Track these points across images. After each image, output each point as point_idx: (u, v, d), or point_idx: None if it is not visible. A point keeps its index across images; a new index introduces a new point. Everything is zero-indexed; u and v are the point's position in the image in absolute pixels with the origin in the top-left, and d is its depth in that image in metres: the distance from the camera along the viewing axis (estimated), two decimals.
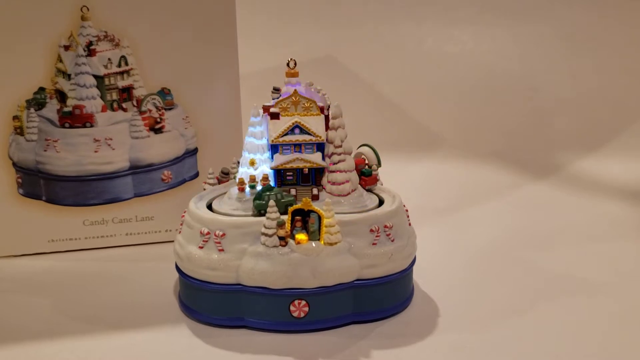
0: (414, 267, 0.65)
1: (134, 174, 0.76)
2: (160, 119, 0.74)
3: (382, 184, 0.69)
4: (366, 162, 0.70)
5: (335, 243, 0.58)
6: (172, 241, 0.65)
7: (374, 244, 0.60)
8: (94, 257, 0.75)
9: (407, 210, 0.66)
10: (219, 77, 0.75)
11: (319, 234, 0.59)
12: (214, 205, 0.64)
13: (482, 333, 0.60)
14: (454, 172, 1.01)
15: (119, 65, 0.73)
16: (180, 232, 0.64)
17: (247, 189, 0.63)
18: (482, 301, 0.66)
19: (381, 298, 0.61)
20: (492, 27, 1.24)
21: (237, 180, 0.63)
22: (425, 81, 1.19)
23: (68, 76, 0.72)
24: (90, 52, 0.72)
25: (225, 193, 0.65)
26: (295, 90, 0.62)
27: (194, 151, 0.78)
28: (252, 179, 0.63)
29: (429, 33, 1.24)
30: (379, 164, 0.69)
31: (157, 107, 0.74)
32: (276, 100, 0.64)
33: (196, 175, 0.78)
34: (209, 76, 0.75)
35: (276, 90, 0.66)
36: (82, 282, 0.70)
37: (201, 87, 0.75)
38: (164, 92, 0.74)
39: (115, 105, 0.74)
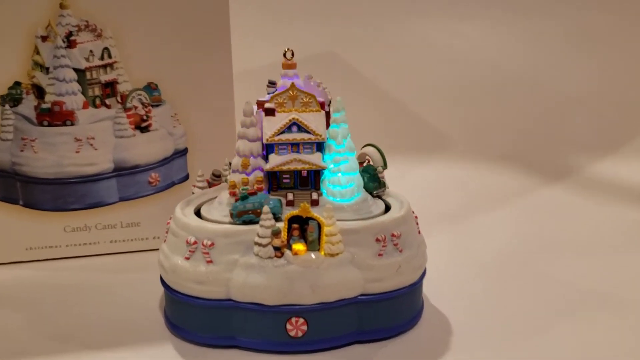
0: (424, 280, 0.61)
1: (118, 176, 0.72)
2: (147, 116, 0.71)
3: (388, 187, 0.64)
4: (370, 163, 0.64)
5: (337, 254, 0.55)
6: (158, 249, 0.60)
7: (380, 254, 0.56)
8: (75, 266, 0.72)
9: (416, 217, 0.60)
10: (210, 71, 0.72)
11: (319, 244, 0.55)
12: (202, 212, 0.59)
13: (499, 354, 0.57)
14: (461, 175, 0.98)
15: (102, 58, 0.69)
16: (165, 240, 0.59)
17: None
18: (498, 318, 0.62)
19: (388, 315, 0.57)
20: (500, 23, 1.21)
21: (228, 183, 0.58)
22: (430, 79, 1.16)
23: (46, 70, 0.68)
24: (70, 43, 0.68)
25: (215, 198, 0.60)
26: (292, 83, 0.57)
27: (184, 151, 0.74)
28: (245, 183, 0.57)
29: (434, 28, 1.21)
30: (384, 166, 0.64)
31: (143, 104, 0.71)
32: (271, 94, 0.58)
33: (186, 177, 0.75)
34: (200, 70, 0.71)
35: (272, 83, 0.61)
36: (60, 295, 0.66)
37: (191, 82, 0.71)
38: (150, 88, 0.71)
39: (97, 101, 0.70)
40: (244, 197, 0.56)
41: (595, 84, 1.15)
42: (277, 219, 0.55)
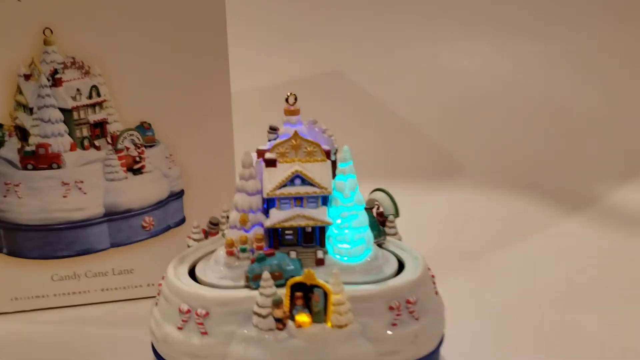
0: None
1: (109, 222, 0.69)
2: (140, 157, 0.68)
3: (400, 239, 0.58)
4: (380, 209, 0.59)
5: (346, 325, 0.50)
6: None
7: (394, 324, 0.51)
8: (64, 317, 0.69)
9: (433, 277, 0.55)
10: (207, 109, 0.68)
11: (325, 315, 0.50)
12: (197, 271, 0.55)
13: None
14: (475, 204, 0.94)
15: (90, 97, 0.66)
16: (157, 304, 0.54)
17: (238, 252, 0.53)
18: None
19: None
20: (514, 42, 1.17)
21: (225, 240, 0.53)
22: (441, 101, 1.13)
23: (30, 110, 0.65)
24: (55, 81, 0.65)
25: (212, 252, 0.55)
26: (295, 132, 0.52)
27: (180, 194, 0.71)
28: (244, 241, 0.52)
29: (444, 49, 1.18)
30: (396, 214, 0.59)
31: (135, 145, 0.68)
32: (273, 142, 0.53)
33: (182, 221, 0.71)
34: (196, 108, 0.68)
35: (273, 129, 0.56)
36: (46, 352, 0.64)
37: (186, 121, 0.68)
38: (143, 127, 0.68)
39: (86, 143, 0.67)
40: (260, 259, 0.51)
41: (612, 105, 1.11)
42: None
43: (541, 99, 1.12)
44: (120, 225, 0.69)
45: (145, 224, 0.70)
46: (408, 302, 0.51)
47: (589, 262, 0.78)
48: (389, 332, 0.51)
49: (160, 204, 0.70)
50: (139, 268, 0.70)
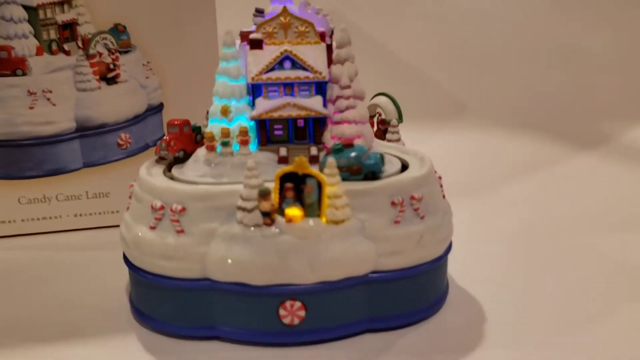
0: (448, 256, 0.53)
1: (82, 138, 0.65)
2: (114, 65, 0.65)
3: (404, 144, 0.54)
4: (382, 116, 0.54)
5: (342, 221, 0.46)
6: None
7: (396, 222, 0.47)
8: (32, 244, 0.66)
9: (440, 178, 0.50)
10: (189, 9, 0.64)
11: (319, 208, 0.46)
12: (173, 171, 0.50)
13: (542, 347, 0.48)
14: (480, 144, 0.94)
15: None
16: (128, 208, 0.49)
17: (218, 147, 0.48)
18: (538, 302, 0.55)
19: (405, 298, 0.49)
20: None
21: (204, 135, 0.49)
22: (446, 41, 1.11)
23: None
24: None
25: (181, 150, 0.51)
26: (284, 7, 0.47)
27: (159, 107, 0.67)
28: (225, 134, 0.47)
29: None
30: (399, 119, 0.55)
31: (109, 50, 0.64)
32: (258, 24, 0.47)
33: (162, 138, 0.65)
34: (176, 7, 0.64)
35: (259, 12, 0.50)
36: (10, 278, 0.60)
37: (166, 23, 0.64)
38: (117, 30, 0.64)
39: (54, 46, 0.63)
40: (337, 150, 0.46)
41: (623, 45, 1.09)
42: (374, 177, 0.46)
43: (552, 39, 1.10)
44: (93, 143, 0.65)
45: (121, 142, 0.66)
46: (412, 198, 0.47)
47: (594, 193, 0.77)
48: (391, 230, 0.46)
49: (138, 119, 0.66)
50: (115, 191, 0.66)
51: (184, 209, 0.45)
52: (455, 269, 0.57)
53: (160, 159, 0.51)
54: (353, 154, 0.46)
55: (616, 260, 0.61)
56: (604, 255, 0.62)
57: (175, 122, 0.50)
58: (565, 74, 1.07)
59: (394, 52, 1.10)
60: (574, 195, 0.77)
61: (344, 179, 0.46)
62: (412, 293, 0.49)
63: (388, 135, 0.55)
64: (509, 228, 0.68)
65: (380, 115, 0.57)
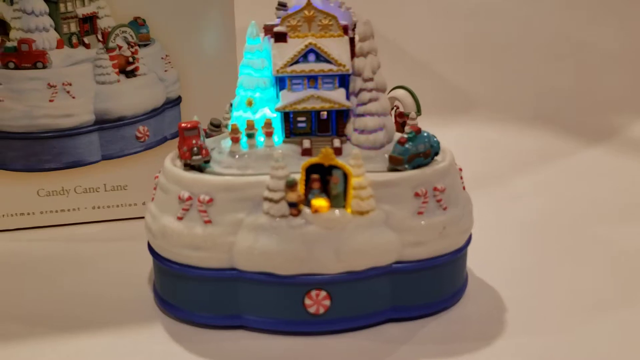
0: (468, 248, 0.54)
1: (100, 131, 0.65)
2: (133, 58, 0.65)
3: None
4: (400, 109, 0.54)
5: (367, 212, 0.46)
6: None
7: (420, 212, 0.48)
8: (51, 236, 0.66)
9: (460, 170, 0.51)
10: (207, 3, 0.64)
11: (345, 199, 0.46)
12: None
13: (561, 335, 0.49)
14: (493, 138, 0.94)
15: None
16: (153, 199, 0.50)
17: (244, 139, 0.48)
18: (555, 291, 0.55)
19: (428, 288, 0.50)
20: None
21: (229, 128, 0.49)
22: (456, 36, 1.10)
23: (10, 0, 0.61)
24: None
25: (213, 149, 0.50)
26: (308, 1, 0.47)
27: (177, 101, 0.67)
28: (250, 125, 0.47)
29: None
30: (418, 112, 0.55)
31: (128, 43, 0.64)
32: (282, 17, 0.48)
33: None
34: (195, 2, 0.64)
35: (282, 5, 0.50)
36: (30, 271, 0.60)
37: (185, 17, 0.64)
38: (137, 24, 0.64)
39: (74, 39, 0.63)
40: (412, 138, 0.48)
41: (630, 39, 1.09)
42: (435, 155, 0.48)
43: (561, 33, 1.10)
44: (112, 135, 0.65)
45: (139, 135, 0.66)
46: (435, 189, 0.47)
47: (610, 184, 0.78)
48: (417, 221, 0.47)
49: (156, 112, 0.66)
50: (133, 184, 0.66)
51: (211, 200, 0.46)
52: (472, 260, 0.57)
53: (188, 166, 0.49)
54: (426, 139, 0.48)
55: (630, 249, 0.61)
56: (617, 244, 0.62)
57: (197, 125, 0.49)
58: (575, 68, 1.07)
59: (404, 48, 1.09)
60: (585, 187, 0.78)
61: (419, 165, 0.47)
62: (434, 283, 0.49)
63: (406, 129, 0.55)
64: (522, 220, 0.69)
65: (398, 108, 0.58)
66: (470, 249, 0.55)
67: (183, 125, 0.48)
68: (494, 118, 0.99)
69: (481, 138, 0.94)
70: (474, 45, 1.10)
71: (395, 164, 0.47)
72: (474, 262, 0.57)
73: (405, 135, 0.47)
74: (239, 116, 0.49)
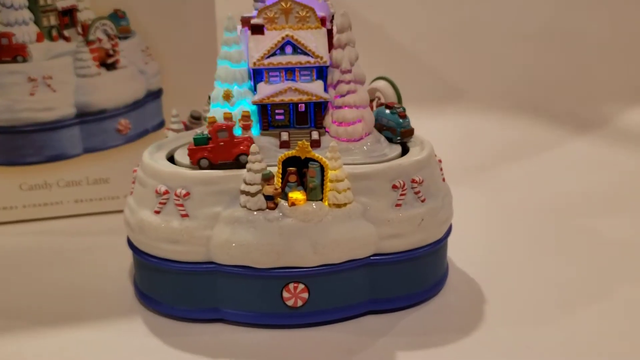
0: (448, 239, 0.54)
1: (82, 124, 0.65)
2: (113, 50, 0.64)
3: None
4: (381, 100, 0.54)
5: (345, 204, 0.46)
6: None
7: (397, 205, 0.47)
8: (34, 230, 0.66)
9: (440, 162, 0.50)
10: None
11: (322, 192, 0.46)
12: (176, 157, 0.50)
13: (543, 327, 0.49)
14: (483, 127, 0.93)
15: None
16: (131, 192, 0.50)
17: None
18: (537, 283, 0.55)
19: (406, 280, 0.50)
20: None
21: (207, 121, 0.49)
22: (442, 24, 1.09)
23: None
24: None
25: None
26: None
27: (158, 93, 0.67)
28: (228, 118, 0.47)
29: None
30: (399, 102, 0.54)
31: (108, 36, 0.64)
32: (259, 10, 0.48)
33: (161, 124, 0.68)
34: None
35: None
36: (13, 264, 0.60)
37: (165, 8, 0.64)
38: (117, 16, 0.64)
39: (54, 33, 0.63)
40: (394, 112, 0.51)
41: (622, 30, 1.08)
42: None
43: (549, 22, 1.08)
44: (93, 128, 0.65)
45: (120, 127, 0.65)
46: (413, 181, 0.47)
47: (601, 177, 0.77)
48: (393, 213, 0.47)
49: (137, 105, 0.66)
50: (115, 177, 0.66)
51: (188, 194, 0.46)
52: (453, 251, 0.57)
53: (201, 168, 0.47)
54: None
55: (614, 240, 0.61)
56: (602, 236, 0.62)
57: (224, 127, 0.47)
58: (563, 57, 1.06)
59: (389, 36, 1.08)
60: (571, 177, 0.77)
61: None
62: (413, 275, 0.49)
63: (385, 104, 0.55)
64: (506, 211, 0.68)
65: (379, 99, 0.58)
66: (452, 240, 0.54)
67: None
68: (481, 108, 0.98)
69: (468, 127, 0.93)
70: (463, 33, 1.09)
71: (408, 136, 0.49)
72: (455, 253, 0.57)
73: (401, 109, 0.49)
74: (217, 109, 0.48)
